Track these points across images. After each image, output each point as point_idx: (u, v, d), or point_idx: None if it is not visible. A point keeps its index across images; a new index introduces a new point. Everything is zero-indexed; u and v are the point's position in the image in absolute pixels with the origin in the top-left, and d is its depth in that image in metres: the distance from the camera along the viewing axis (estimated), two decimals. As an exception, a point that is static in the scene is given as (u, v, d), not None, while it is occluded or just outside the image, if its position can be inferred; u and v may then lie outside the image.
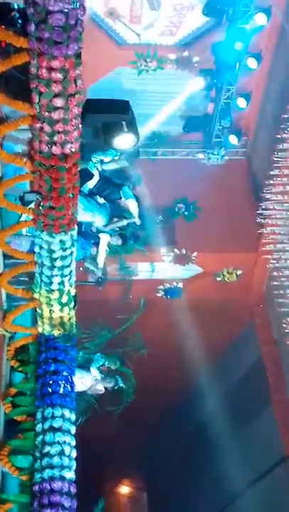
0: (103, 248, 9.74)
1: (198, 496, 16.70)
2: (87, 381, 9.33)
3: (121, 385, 9.86)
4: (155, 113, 13.90)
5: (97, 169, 9.43)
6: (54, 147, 6.29)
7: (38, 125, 6.17)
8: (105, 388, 9.67)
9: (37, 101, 5.99)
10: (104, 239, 9.67)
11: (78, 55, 5.81)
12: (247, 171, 15.07)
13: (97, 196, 9.48)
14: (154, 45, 13.63)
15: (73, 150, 6.40)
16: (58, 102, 5.95)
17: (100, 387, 9.56)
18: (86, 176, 9.06)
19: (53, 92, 5.88)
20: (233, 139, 14.61)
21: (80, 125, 6.34)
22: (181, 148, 15.04)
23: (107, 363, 9.62)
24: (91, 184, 9.37)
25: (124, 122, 9.10)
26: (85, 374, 9.30)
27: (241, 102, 14.04)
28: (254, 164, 14.98)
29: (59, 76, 5.78)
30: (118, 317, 11.44)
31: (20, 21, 6.12)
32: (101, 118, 9.09)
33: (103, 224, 9.48)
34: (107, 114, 9.22)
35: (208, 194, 13.94)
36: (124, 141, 9.29)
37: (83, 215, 8.84)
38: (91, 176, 9.37)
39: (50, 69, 5.74)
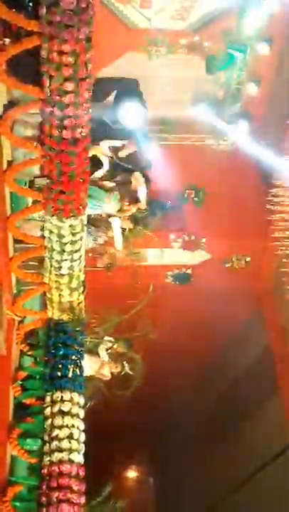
0: (118, 231, 9.72)
1: (205, 482, 16.79)
2: (96, 365, 9.35)
3: (127, 370, 9.87)
4: (165, 98, 13.82)
5: (107, 156, 9.35)
6: (64, 131, 6.29)
7: (49, 109, 6.17)
8: (112, 374, 9.69)
9: (47, 85, 5.99)
10: (116, 222, 9.63)
11: (89, 39, 5.80)
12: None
13: (106, 182, 9.39)
14: (165, 30, 13.52)
15: (84, 134, 6.40)
16: (69, 86, 5.95)
17: (107, 372, 9.57)
18: (94, 164, 8.95)
19: (63, 76, 5.88)
20: (243, 125, 14.52)
21: (90, 109, 6.34)
22: (191, 134, 14.96)
23: (115, 345, 9.63)
24: (99, 174, 9.27)
25: (132, 98, 9.10)
26: (94, 358, 9.32)
27: (252, 88, 13.95)
28: (264, 150, 14.88)
29: (70, 60, 5.78)
30: (127, 302, 11.44)
31: (31, 4, 6.10)
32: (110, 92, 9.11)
33: (116, 210, 9.41)
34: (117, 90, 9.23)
35: (218, 180, 13.88)
36: (132, 117, 9.28)
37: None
38: (100, 164, 9.28)
39: (61, 53, 5.74)
